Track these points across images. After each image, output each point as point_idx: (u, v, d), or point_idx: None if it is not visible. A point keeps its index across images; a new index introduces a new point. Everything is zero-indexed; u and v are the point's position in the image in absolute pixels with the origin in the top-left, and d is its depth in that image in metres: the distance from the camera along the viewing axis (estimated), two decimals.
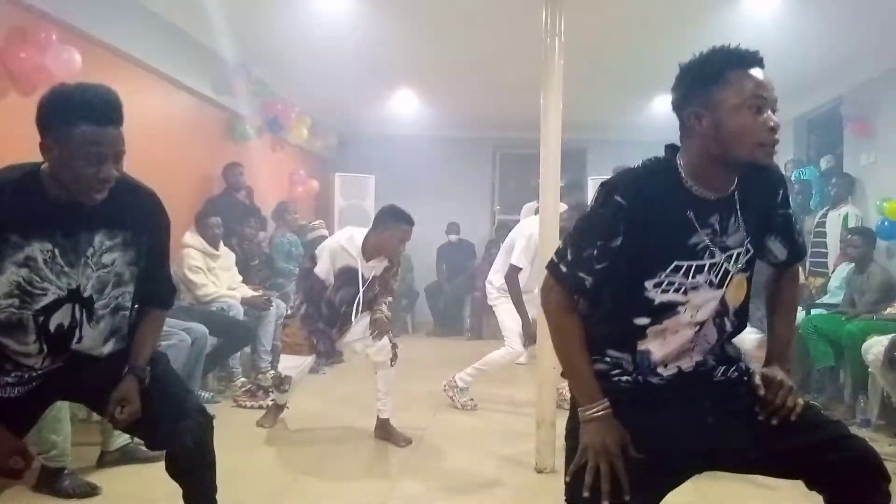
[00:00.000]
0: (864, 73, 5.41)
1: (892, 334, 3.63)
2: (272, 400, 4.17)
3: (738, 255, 1.45)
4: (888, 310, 4.17)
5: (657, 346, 1.45)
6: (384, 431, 3.56)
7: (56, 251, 1.60)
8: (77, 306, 1.68)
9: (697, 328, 1.46)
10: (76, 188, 1.55)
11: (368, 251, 3.46)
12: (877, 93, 5.43)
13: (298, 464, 3.18)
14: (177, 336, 3.49)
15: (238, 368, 4.56)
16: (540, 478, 3.01)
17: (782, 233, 1.52)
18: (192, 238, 4.52)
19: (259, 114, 6.18)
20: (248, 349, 4.71)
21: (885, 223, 4.96)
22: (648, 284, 1.41)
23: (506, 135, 8.24)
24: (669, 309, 1.43)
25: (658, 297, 1.42)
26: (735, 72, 1.34)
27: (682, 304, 1.43)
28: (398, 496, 2.80)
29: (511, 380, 5.06)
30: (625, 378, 1.47)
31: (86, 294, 1.67)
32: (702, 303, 1.44)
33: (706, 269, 1.41)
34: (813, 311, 4.60)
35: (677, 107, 1.42)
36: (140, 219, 1.73)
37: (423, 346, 6.99)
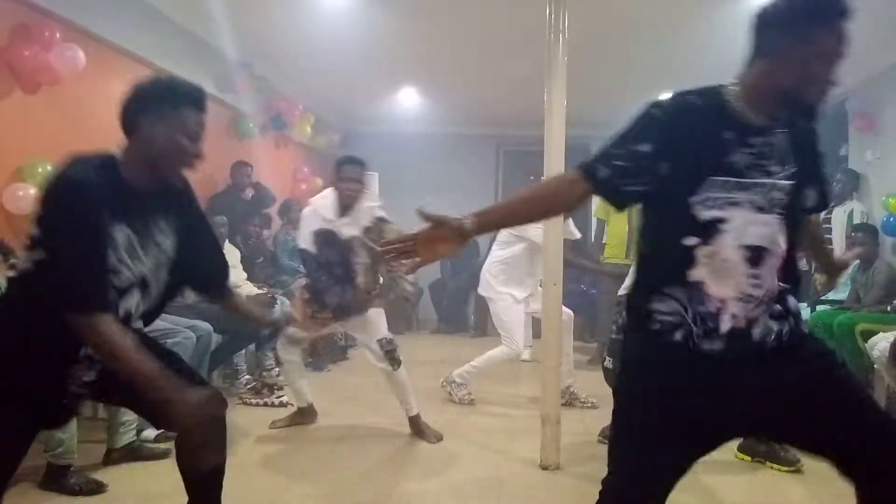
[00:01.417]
0: (869, 69, 5.39)
1: None
2: (278, 399, 4.19)
3: (789, 186, 1.42)
4: (893, 305, 4.17)
5: (710, 277, 1.41)
6: (415, 428, 3.57)
7: (133, 236, 1.65)
8: (142, 292, 1.70)
9: (750, 260, 1.40)
10: (172, 164, 1.70)
11: (339, 208, 3.47)
12: (883, 88, 5.40)
13: (303, 461, 3.18)
14: (182, 333, 3.49)
15: (243, 366, 4.56)
16: (545, 475, 3.01)
17: (817, 179, 1.52)
18: None
19: (262, 111, 6.17)
20: (252, 347, 4.71)
21: (891, 219, 4.94)
22: (692, 201, 1.40)
23: (509, 132, 8.23)
24: (713, 227, 1.40)
25: (701, 214, 1.40)
26: (834, 24, 1.39)
27: (724, 220, 1.40)
28: (402, 493, 2.80)
29: (515, 377, 5.07)
30: (678, 335, 1.42)
31: (149, 279, 1.70)
32: (744, 224, 1.40)
33: (749, 187, 1.40)
34: (818, 308, 4.60)
35: (764, 23, 1.46)
36: (182, 201, 1.82)
37: (427, 344, 7.00)
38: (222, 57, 5.31)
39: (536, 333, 4.36)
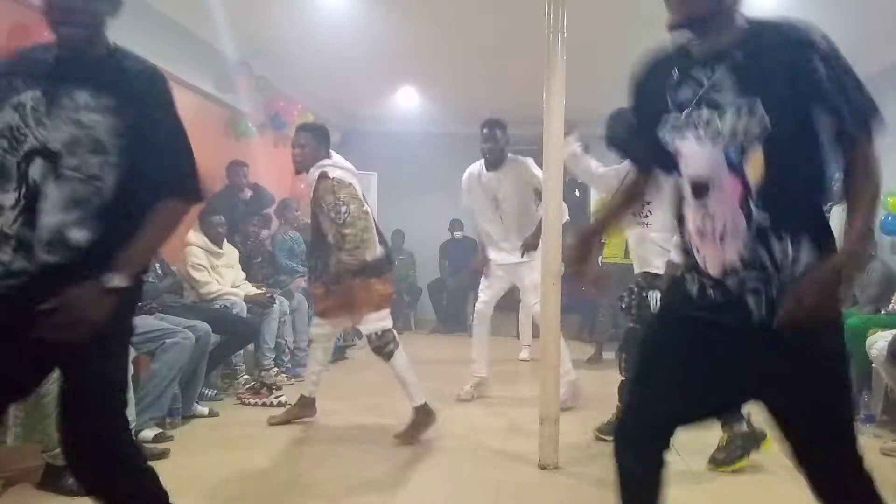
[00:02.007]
0: (867, 69, 5.33)
1: None
2: (277, 399, 4.19)
3: (732, 113, 1.37)
4: (892, 304, 4.17)
5: (689, 212, 1.49)
6: (418, 416, 3.48)
7: (41, 99, 1.63)
8: (47, 160, 1.60)
9: (696, 193, 1.44)
10: (50, 20, 1.66)
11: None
12: (880, 88, 5.34)
13: (302, 461, 3.18)
14: (181, 334, 3.49)
15: (242, 366, 4.56)
16: (543, 474, 3.01)
17: (821, 97, 1.33)
18: (195, 236, 4.53)
19: (261, 110, 6.17)
20: (251, 347, 4.71)
21: (889, 218, 4.95)
22: (661, 135, 1.50)
23: (508, 131, 8.22)
24: (675, 159, 1.48)
25: (669, 146, 1.49)
26: None
27: (680, 154, 1.47)
28: (402, 493, 2.80)
29: (514, 376, 5.07)
30: (688, 278, 1.51)
31: (53, 148, 1.60)
32: (691, 156, 1.44)
33: (691, 120, 1.43)
34: None
35: None
36: (132, 89, 1.71)
37: (426, 344, 7.00)
38: (221, 56, 5.32)
39: (535, 333, 4.37)
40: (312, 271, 3.59)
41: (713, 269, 1.43)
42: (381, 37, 5.27)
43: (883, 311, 4.12)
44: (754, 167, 1.37)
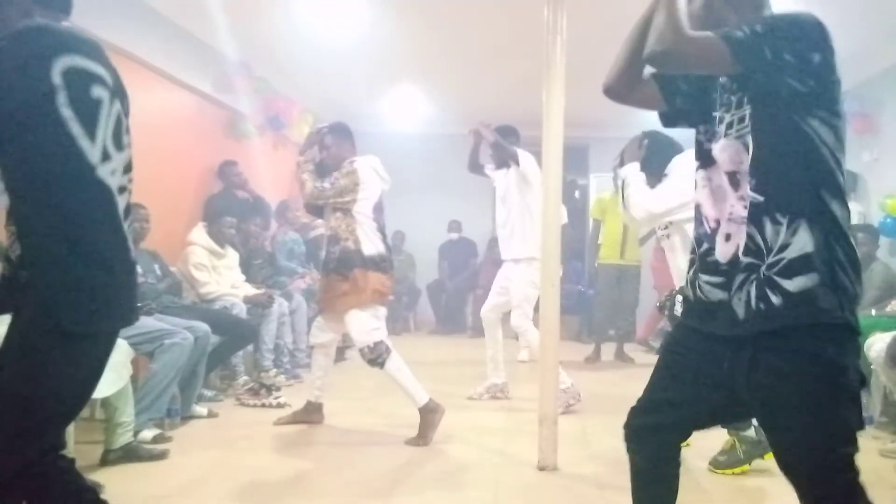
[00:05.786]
0: (866, 70, 5.40)
1: (895, 331, 3.62)
2: (276, 400, 4.18)
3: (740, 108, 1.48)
4: (889, 307, 4.17)
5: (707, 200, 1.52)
6: (422, 417, 3.47)
7: None
8: None
9: (732, 184, 1.46)
10: None
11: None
12: (880, 89, 5.41)
13: (301, 462, 3.18)
14: (179, 335, 3.49)
15: (241, 367, 4.56)
16: (542, 475, 3.01)
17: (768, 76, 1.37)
18: (199, 236, 4.53)
19: (260, 111, 6.18)
20: (250, 348, 4.71)
21: (888, 220, 4.95)
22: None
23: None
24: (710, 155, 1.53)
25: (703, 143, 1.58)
26: None
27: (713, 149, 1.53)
28: (400, 494, 2.79)
29: (513, 378, 5.07)
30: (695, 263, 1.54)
31: None
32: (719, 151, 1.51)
33: (719, 115, 1.52)
34: None
35: None
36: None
37: (425, 345, 6.99)
38: (220, 57, 5.32)
39: (514, 335, 4.40)
40: (325, 265, 3.62)
41: (722, 255, 1.46)
42: (381, 38, 5.28)
43: (874, 312, 4.12)
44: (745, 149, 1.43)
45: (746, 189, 1.41)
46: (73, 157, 1.49)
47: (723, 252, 1.46)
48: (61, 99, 1.46)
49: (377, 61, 5.91)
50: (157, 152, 4.34)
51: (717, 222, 1.48)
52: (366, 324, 3.47)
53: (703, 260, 1.52)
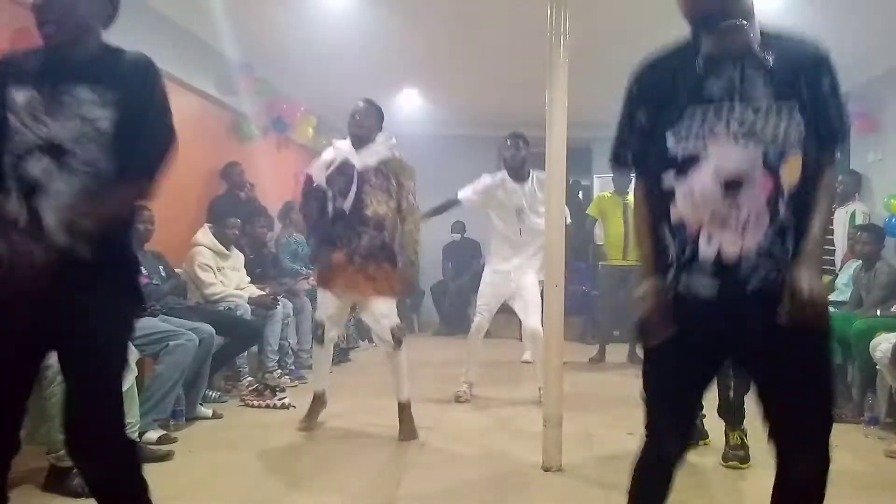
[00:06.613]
0: (870, 70, 5.39)
1: None
2: (280, 400, 4.19)
3: (769, 111, 1.44)
4: (894, 307, 4.16)
5: (688, 210, 1.47)
6: (400, 415, 3.58)
7: (37, 98, 1.67)
8: (51, 156, 1.64)
9: (730, 193, 1.44)
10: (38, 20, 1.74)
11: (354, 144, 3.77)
12: (883, 90, 5.40)
13: (305, 462, 3.19)
14: (184, 336, 3.50)
15: (245, 368, 4.56)
16: (547, 476, 3.01)
17: (811, 107, 1.46)
18: (204, 236, 4.55)
19: (264, 113, 6.19)
20: (255, 349, 4.72)
21: (893, 220, 4.94)
22: (670, 135, 1.48)
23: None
24: (691, 160, 1.46)
25: (680, 148, 1.47)
26: None
27: (703, 155, 1.45)
28: (404, 495, 2.80)
29: (516, 378, 5.07)
30: (670, 273, 1.51)
31: (61, 144, 1.65)
32: (726, 158, 1.43)
33: (722, 115, 1.44)
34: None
35: None
36: (125, 77, 1.79)
37: (429, 346, 7.00)
38: (223, 58, 5.32)
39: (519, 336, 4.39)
40: (346, 243, 3.54)
41: (730, 252, 1.45)
42: (383, 39, 5.28)
43: (879, 313, 4.11)
44: (790, 170, 1.43)
45: (779, 205, 1.44)
46: None
47: (735, 251, 1.46)
48: None
49: (381, 63, 5.92)
50: None
51: (735, 226, 1.46)
52: (393, 308, 3.62)
53: (695, 260, 1.50)
